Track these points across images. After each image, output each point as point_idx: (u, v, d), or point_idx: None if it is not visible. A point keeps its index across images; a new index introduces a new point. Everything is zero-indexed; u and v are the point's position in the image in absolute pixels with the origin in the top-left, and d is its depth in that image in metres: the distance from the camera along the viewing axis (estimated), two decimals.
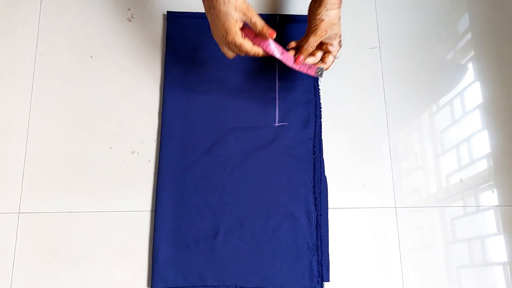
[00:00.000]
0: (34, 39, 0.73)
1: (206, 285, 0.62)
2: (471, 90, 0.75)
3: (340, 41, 0.64)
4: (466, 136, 0.72)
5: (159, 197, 0.65)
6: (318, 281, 0.63)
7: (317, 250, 0.64)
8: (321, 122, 0.70)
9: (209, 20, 0.57)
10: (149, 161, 0.68)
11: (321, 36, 0.61)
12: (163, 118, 0.69)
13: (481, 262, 0.67)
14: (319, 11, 0.60)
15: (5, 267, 0.63)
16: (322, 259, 0.64)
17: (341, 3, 0.62)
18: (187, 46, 0.72)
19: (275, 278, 0.63)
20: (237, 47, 0.57)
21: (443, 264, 0.66)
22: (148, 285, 0.63)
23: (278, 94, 0.71)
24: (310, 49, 0.62)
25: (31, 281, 0.63)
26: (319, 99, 0.71)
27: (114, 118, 0.70)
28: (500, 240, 0.68)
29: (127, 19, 0.75)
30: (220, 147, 0.67)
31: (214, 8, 0.54)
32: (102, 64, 0.72)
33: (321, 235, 0.65)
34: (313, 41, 0.61)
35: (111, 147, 0.68)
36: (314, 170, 0.67)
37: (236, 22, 0.55)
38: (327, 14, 0.60)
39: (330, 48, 0.63)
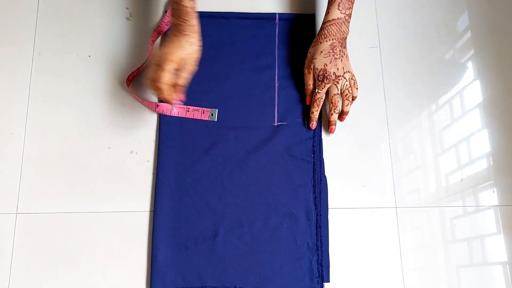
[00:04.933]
0: (31, 38, 0.72)
1: (206, 286, 0.62)
2: (470, 89, 0.74)
3: (327, 76, 0.66)
4: (465, 135, 0.72)
5: (158, 197, 0.65)
6: (318, 281, 0.63)
7: (317, 250, 0.64)
8: (320, 121, 0.70)
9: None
10: (148, 161, 0.68)
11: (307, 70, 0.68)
12: (162, 117, 0.69)
13: (481, 262, 0.67)
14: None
15: (2, 268, 0.63)
16: (322, 259, 0.64)
17: (321, 40, 0.66)
18: None
19: (275, 279, 0.62)
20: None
21: (443, 264, 0.66)
22: (147, 286, 0.63)
23: (278, 93, 0.70)
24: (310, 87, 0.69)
25: (29, 282, 0.62)
26: None
27: (112, 118, 0.69)
28: (500, 240, 0.68)
29: (126, 18, 0.74)
30: (220, 147, 0.67)
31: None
32: (100, 63, 0.71)
33: (321, 235, 0.65)
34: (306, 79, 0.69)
35: (109, 147, 0.68)
36: (314, 170, 0.67)
37: None
38: (310, 51, 0.68)
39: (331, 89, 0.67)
